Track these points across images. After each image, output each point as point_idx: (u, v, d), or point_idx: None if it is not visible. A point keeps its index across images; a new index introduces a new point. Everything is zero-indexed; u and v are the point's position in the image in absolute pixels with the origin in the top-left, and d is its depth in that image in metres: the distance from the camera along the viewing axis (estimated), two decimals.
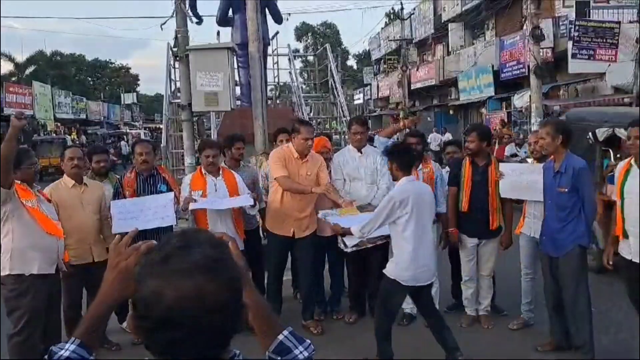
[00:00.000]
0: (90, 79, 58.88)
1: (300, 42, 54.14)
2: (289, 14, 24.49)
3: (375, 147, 5.34)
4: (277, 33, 10.35)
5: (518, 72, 20.23)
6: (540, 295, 4.70)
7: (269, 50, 9.78)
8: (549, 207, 4.20)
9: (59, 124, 33.91)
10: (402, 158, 4.07)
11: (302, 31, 54.73)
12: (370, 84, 41.80)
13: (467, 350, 4.45)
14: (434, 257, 4.20)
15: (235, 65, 8.26)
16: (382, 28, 39.47)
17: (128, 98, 56.13)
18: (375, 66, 43.69)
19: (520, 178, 4.71)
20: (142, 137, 29.56)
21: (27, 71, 36.01)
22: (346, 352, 4.50)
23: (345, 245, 4.51)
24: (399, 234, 4.01)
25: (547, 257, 4.28)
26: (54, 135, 28.83)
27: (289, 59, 11.19)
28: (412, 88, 30.07)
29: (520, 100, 19.45)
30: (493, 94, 22.37)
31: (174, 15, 6.67)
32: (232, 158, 5.34)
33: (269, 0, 8.63)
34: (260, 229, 5.50)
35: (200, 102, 6.57)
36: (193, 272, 0.95)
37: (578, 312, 4.08)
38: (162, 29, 6.95)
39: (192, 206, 4.65)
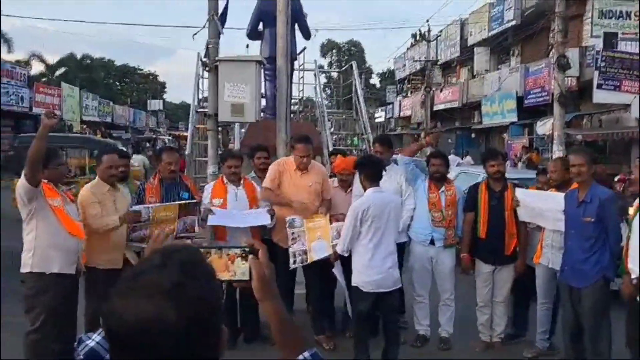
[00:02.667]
0: (118, 83, 59.75)
1: (325, 58, 54.55)
2: (317, 30, 24.83)
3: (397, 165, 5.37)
4: (304, 48, 10.48)
5: (542, 99, 20.13)
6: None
7: (295, 65, 9.90)
8: (572, 237, 4.16)
9: (85, 126, 34.46)
10: (370, 169, 4.29)
11: (328, 48, 55.12)
12: (392, 103, 41.85)
13: None
14: (395, 265, 4.30)
15: (262, 78, 8.37)
16: (407, 48, 39.61)
17: (154, 105, 56.88)
18: (398, 85, 43.76)
19: (538, 205, 4.68)
20: (167, 143, 29.88)
21: (57, 73, 36.78)
22: None
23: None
24: (358, 242, 4.19)
25: (567, 287, 4.23)
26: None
27: (315, 75, 11.30)
28: (434, 109, 30.07)
29: (542, 127, 19.32)
30: (516, 119, 22.26)
31: (207, 26, 6.80)
32: (256, 168, 5.44)
33: (299, 16, 8.76)
34: None
35: (226, 112, 6.66)
36: (154, 295, 0.91)
37: (599, 344, 4.03)
38: (193, 39, 7.09)
39: (210, 221, 4.73)
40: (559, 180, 4.64)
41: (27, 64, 32.04)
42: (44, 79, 33.87)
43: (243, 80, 6.58)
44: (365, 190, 4.33)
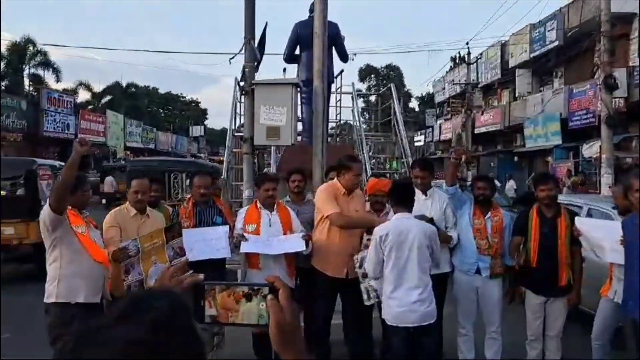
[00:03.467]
0: (161, 110, 61.44)
1: (364, 82, 54.67)
2: (355, 54, 24.83)
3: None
4: (341, 71, 10.39)
5: (587, 121, 19.53)
6: None
7: (333, 88, 9.81)
8: (636, 268, 3.82)
9: (128, 152, 35.41)
10: (397, 194, 4.13)
11: (366, 72, 55.29)
12: (432, 126, 41.50)
13: None
14: (424, 300, 3.94)
15: (299, 101, 8.30)
16: (446, 72, 39.37)
17: (196, 131, 58.35)
18: (438, 109, 43.41)
19: (595, 235, 4.35)
20: None
21: (103, 100, 38.05)
22: None
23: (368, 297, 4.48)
24: (384, 271, 4.01)
25: (632, 321, 3.90)
26: (123, 162, 29.99)
27: (352, 98, 11.19)
28: (475, 132, 29.59)
29: (589, 150, 18.69)
30: (560, 142, 21.63)
31: (243, 51, 6.79)
32: (290, 191, 5.32)
33: (336, 39, 8.69)
34: None
35: (262, 135, 6.58)
36: (112, 353, 0.79)
37: None
38: (230, 62, 7.09)
39: (243, 248, 4.57)
40: (622, 207, 4.34)
41: (74, 92, 33.27)
42: (90, 107, 35.08)
43: (279, 103, 6.50)
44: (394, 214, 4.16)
